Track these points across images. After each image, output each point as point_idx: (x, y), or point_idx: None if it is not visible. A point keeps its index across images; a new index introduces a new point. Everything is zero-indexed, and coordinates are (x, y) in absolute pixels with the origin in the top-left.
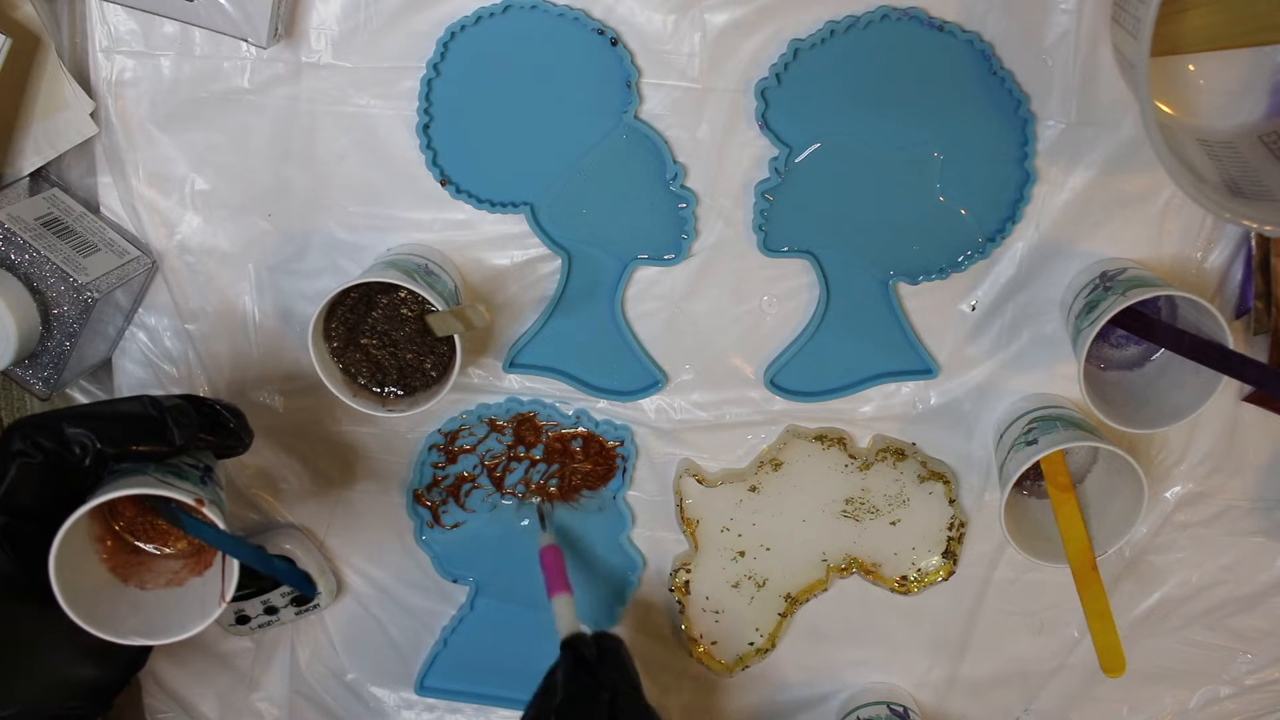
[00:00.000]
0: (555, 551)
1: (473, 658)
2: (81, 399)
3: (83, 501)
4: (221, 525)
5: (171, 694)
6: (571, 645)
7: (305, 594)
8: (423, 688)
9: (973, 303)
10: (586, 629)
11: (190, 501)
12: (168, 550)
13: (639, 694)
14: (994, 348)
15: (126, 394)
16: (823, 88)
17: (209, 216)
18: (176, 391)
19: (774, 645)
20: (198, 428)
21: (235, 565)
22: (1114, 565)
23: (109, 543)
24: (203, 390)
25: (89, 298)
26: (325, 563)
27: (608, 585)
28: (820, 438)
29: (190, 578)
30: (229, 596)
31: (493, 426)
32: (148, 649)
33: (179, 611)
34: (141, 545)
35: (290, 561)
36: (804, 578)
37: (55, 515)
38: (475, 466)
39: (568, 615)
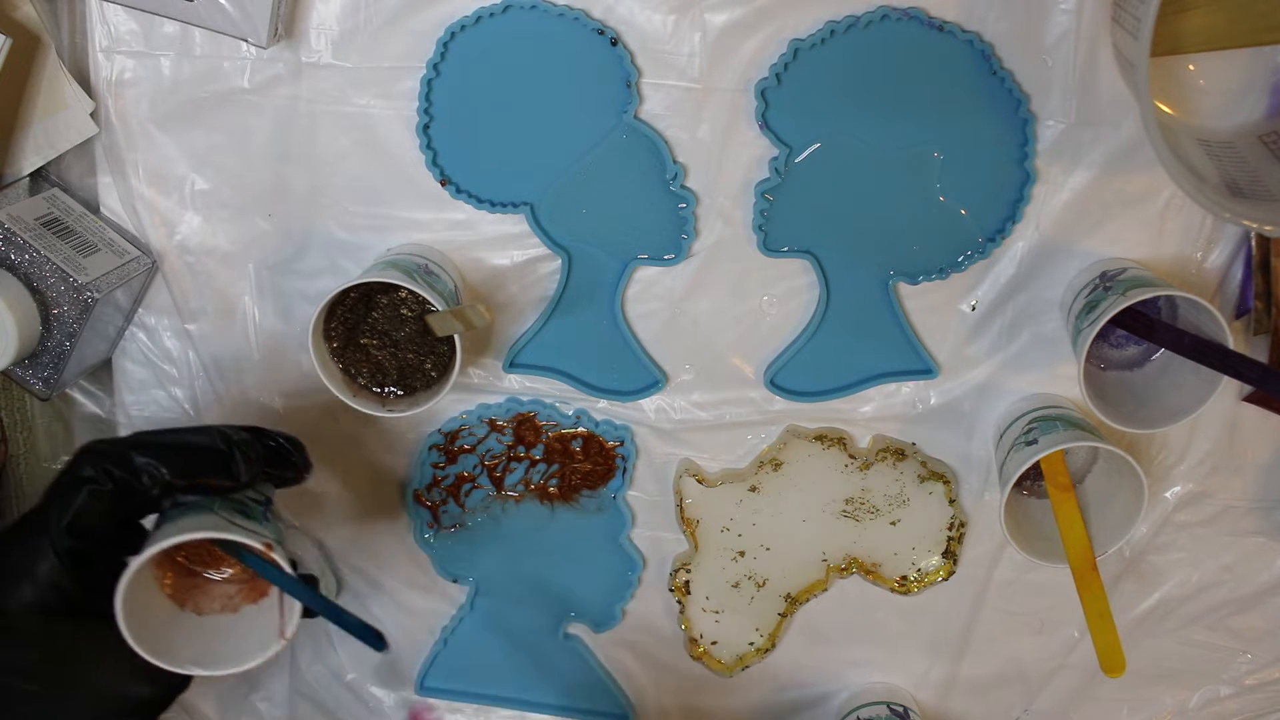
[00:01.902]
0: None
1: (473, 658)
2: (82, 399)
3: (143, 527)
4: (288, 569)
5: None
6: None
7: (376, 649)
8: (423, 688)
9: (973, 303)
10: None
11: (259, 546)
12: (223, 574)
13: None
14: (994, 348)
15: (128, 395)
16: (823, 88)
17: (209, 216)
18: (179, 392)
19: (774, 645)
20: (263, 462)
21: (296, 602)
22: (1114, 565)
23: (168, 567)
24: (199, 386)
25: (89, 298)
26: (325, 563)
27: (608, 585)
28: (820, 438)
29: (244, 605)
30: (289, 634)
31: (493, 426)
32: None
33: (234, 641)
34: (197, 569)
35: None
36: (804, 578)
37: (116, 537)
38: (475, 466)
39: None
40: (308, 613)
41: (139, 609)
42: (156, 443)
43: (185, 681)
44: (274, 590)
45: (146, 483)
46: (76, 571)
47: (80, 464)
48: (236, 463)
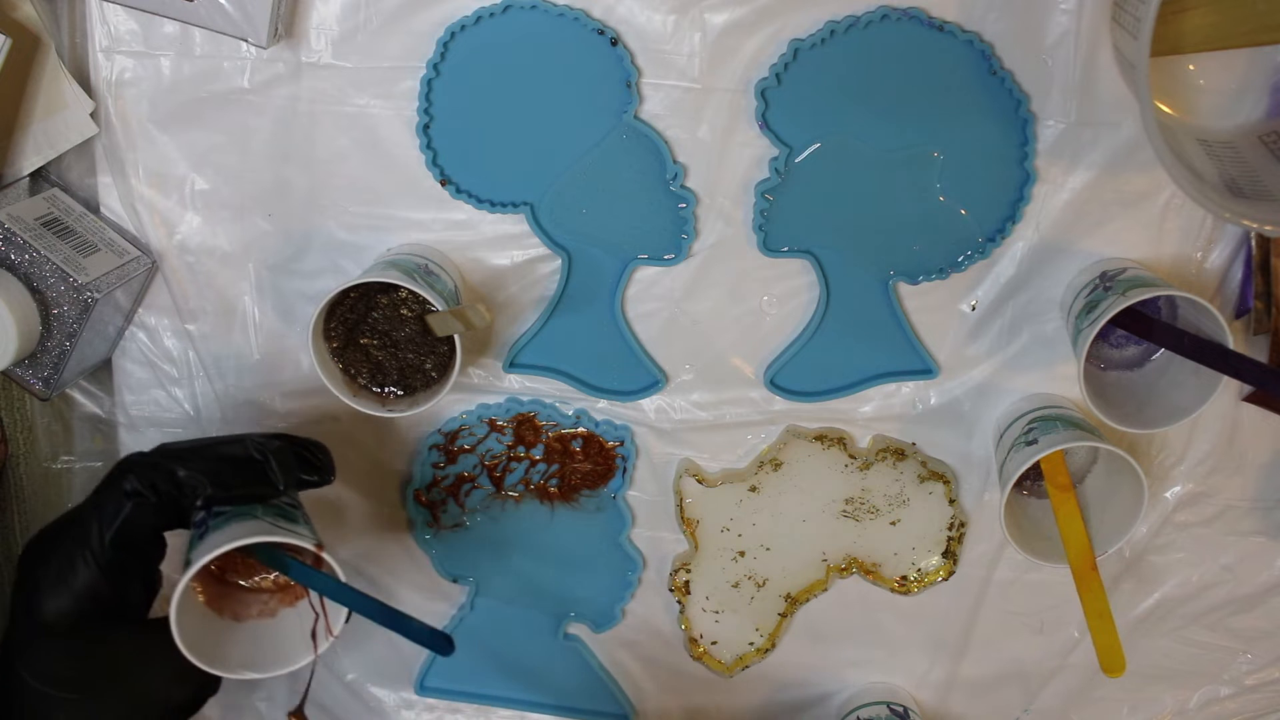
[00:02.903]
0: None
1: (473, 658)
2: (81, 399)
3: (165, 539)
4: (339, 572)
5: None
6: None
7: (440, 654)
8: (423, 688)
9: (973, 303)
10: None
11: (310, 547)
12: (254, 582)
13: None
14: (994, 348)
15: (128, 395)
16: (823, 88)
17: (209, 216)
18: (179, 392)
19: (774, 645)
20: (297, 469)
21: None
22: (1114, 565)
23: (202, 578)
24: (199, 386)
25: (89, 298)
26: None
27: (608, 585)
28: (820, 438)
29: (282, 608)
30: (336, 631)
31: (493, 426)
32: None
33: (278, 644)
34: (229, 578)
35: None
36: (804, 578)
37: (153, 547)
38: (475, 466)
39: None
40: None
41: (183, 619)
42: (196, 455)
43: (216, 684)
44: (311, 592)
45: (189, 495)
46: (116, 581)
47: (123, 477)
48: (273, 470)
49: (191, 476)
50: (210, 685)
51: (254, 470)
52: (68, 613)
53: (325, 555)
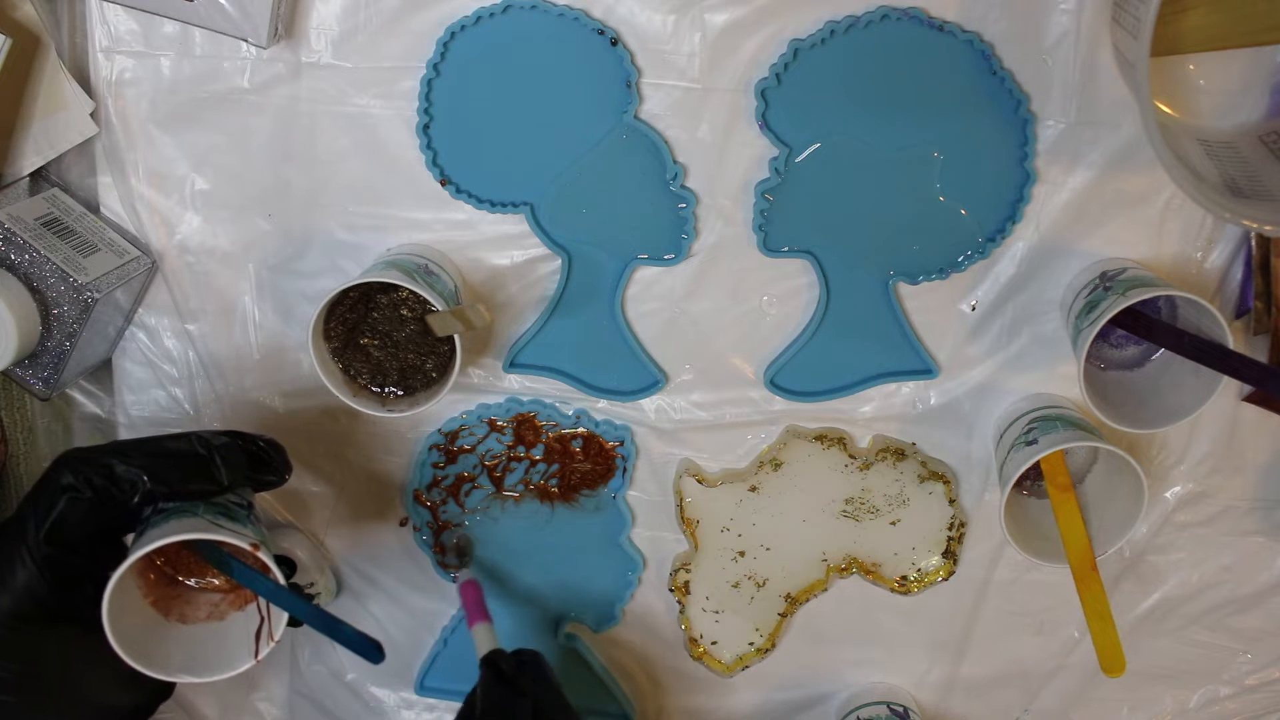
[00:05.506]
0: (474, 585)
1: (473, 658)
2: (82, 399)
3: (125, 533)
4: (274, 568)
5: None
6: (490, 661)
7: (371, 661)
8: (423, 688)
9: (973, 303)
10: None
11: (246, 546)
12: (207, 582)
13: (561, 698)
14: (994, 348)
15: (128, 395)
16: (823, 88)
17: (209, 216)
18: (179, 392)
19: (774, 645)
20: (245, 466)
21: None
22: (1114, 565)
23: (151, 577)
24: (199, 386)
25: (89, 298)
26: (325, 562)
27: (608, 585)
28: (820, 438)
29: (231, 612)
30: (277, 636)
31: (493, 426)
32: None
33: (222, 648)
34: (181, 579)
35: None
36: (804, 578)
37: (95, 546)
38: (475, 466)
39: (487, 639)
40: (295, 620)
41: (124, 618)
42: (137, 450)
43: (168, 689)
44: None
45: (126, 490)
46: (54, 581)
47: (59, 472)
48: (217, 467)
49: (129, 471)
50: (161, 691)
51: (197, 466)
52: (6, 613)
53: (263, 556)
